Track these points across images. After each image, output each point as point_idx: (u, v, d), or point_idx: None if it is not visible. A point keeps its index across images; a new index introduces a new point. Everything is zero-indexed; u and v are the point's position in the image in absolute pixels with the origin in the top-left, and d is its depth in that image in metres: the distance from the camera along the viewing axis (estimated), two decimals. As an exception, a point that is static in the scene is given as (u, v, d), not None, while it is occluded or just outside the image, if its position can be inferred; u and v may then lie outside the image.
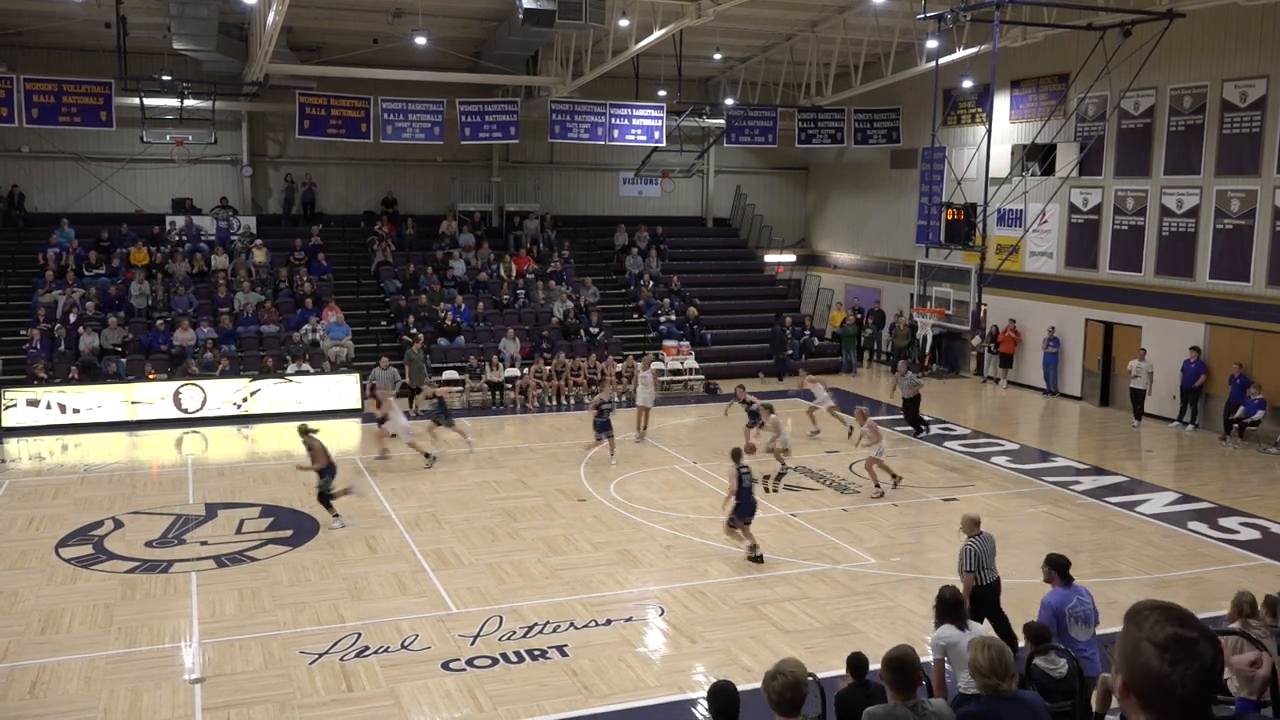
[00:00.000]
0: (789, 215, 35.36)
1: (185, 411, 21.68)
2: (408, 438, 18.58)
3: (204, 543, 14.37)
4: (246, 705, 9.73)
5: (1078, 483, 17.72)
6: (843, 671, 7.96)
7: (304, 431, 15.41)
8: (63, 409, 21.02)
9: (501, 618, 11.72)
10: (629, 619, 11.79)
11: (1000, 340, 26.55)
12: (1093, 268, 24.31)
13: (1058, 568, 8.91)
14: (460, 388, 24.11)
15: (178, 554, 13.90)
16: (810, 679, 5.55)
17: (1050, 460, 19.40)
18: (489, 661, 10.66)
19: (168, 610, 12.06)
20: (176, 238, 27.16)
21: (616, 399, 19.28)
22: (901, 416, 21.32)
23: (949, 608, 8.25)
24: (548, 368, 24.58)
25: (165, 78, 25.30)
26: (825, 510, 16.04)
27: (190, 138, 27.92)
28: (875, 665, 6.67)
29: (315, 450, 15.09)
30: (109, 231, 26.66)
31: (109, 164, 28.07)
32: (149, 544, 14.22)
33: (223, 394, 22.14)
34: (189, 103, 26.56)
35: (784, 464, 17.49)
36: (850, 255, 33.55)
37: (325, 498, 15.06)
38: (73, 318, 23.59)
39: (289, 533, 14.81)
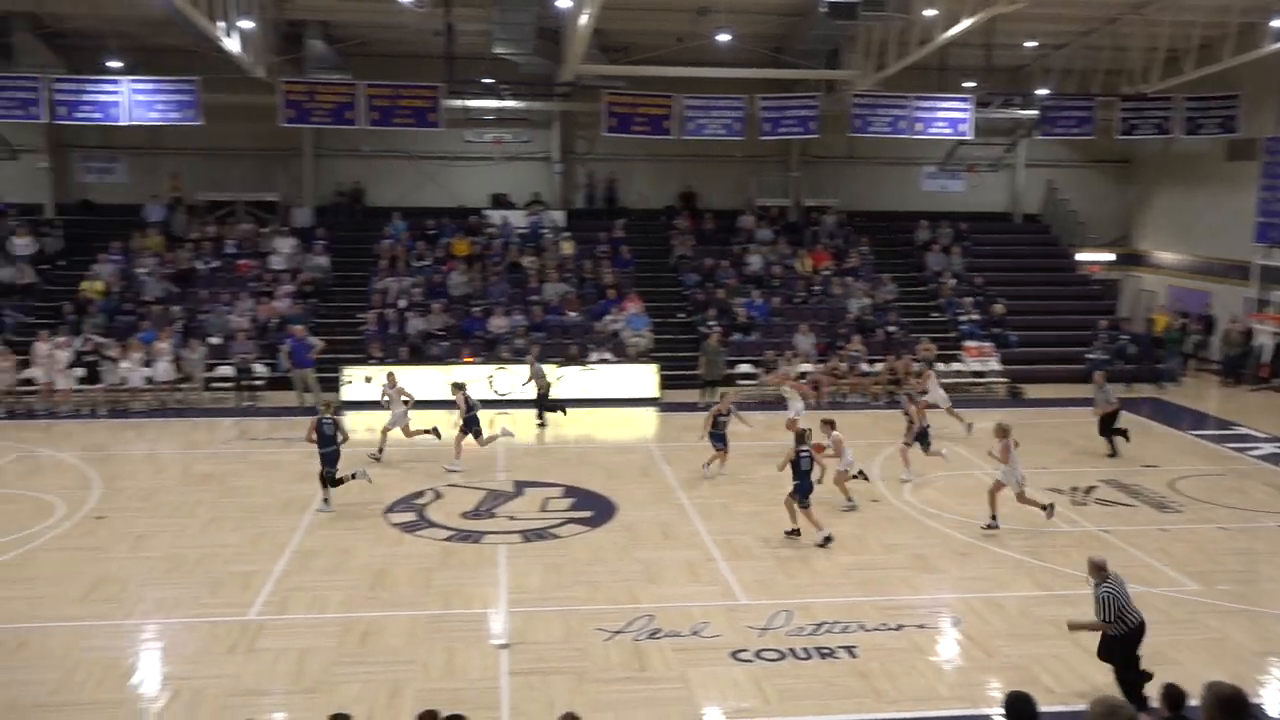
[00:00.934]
0: (1106, 211, 33.11)
1: (498, 394, 23.10)
2: None
3: (512, 518, 15.27)
4: (547, 674, 10.26)
5: None
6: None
7: (458, 387, 18.05)
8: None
9: (790, 612, 11.71)
10: (922, 625, 11.49)
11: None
12: None
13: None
14: (754, 382, 24.30)
15: (488, 526, 14.86)
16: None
17: None
18: (777, 655, 10.70)
19: (479, 578, 12.91)
20: (493, 230, 28.95)
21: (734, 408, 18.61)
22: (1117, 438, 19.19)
23: (1229, 710, 5.37)
24: (843, 364, 24.32)
25: (486, 81, 27.03)
26: (1141, 529, 14.93)
27: (508, 136, 29.71)
28: (1193, 700, 6.15)
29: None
30: (435, 224, 28.79)
31: (435, 161, 30.30)
32: (464, 515, 15.27)
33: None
34: (507, 103, 28.27)
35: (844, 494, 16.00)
36: (1176, 255, 31.01)
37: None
38: (402, 303, 25.69)
39: (589, 513, 15.47)
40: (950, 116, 27.59)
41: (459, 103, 27.40)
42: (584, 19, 20.35)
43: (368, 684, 10.00)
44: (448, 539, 14.32)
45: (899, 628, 11.38)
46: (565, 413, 21.61)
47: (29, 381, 22.21)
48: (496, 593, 12.43)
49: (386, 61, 27.92)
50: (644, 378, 23.74)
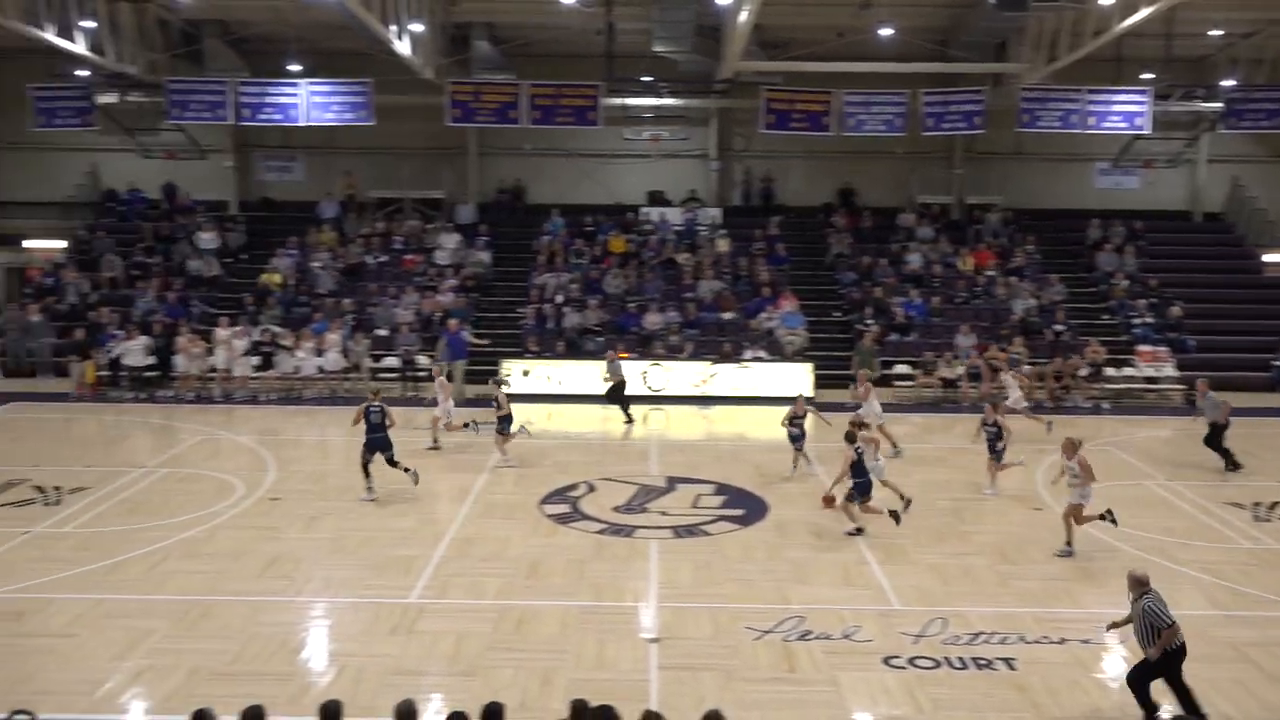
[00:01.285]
0: (1299, 209, 31.10)
1: (652, 389, 23.29)
2: None
3: (664, 513, 15.37)
4: (696, 670, 10.29)
5: None
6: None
7: (498, 384, 18.45)
8: (549, 380, 23.44)
9: (946, 620, 11.42)
10: (1086, 641, 11.02)
11: None
12: None
13: None
14: (911, 383, 23.80)
15: (640, 521, 14.99)
16: None
17: None
18: (931, 663, 10.45)
19: (630, 572, 13.04)
20: (649, 228, 29.17)
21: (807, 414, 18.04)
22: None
23: None
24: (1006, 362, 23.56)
25: (645, 79, 27.27)
26: (1330, 547, 13.98)
27: (665, 134, 29.90)
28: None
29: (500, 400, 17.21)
30: (592, 221, 29.20)
31: (594, 159, 30.72)
32: (616, 509, 15.45)
33: (685, 375, 23.55)
34: (665, 101, 28.45)
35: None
36: (1375, 255, 28.87)
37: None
38: (559, 299, 26.16)
39: (740, 511, 15.44)
40: (1126, 110, 26.37)
41: (618, 101, 27.72)
42: (744, 15, 20.29)
43: (520, 670, 10.23)
44: (600, 532, 14.52)
45: (1061, 641, 10.96)
46: (631, 420, 21.44)
47: (211, 368, 23.54)
48: (647, 587, 12.53)
49: (548, 61, 28.45)
50: (798, 376, 23.54)
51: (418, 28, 23.99)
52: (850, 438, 14.57)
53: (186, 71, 27.58)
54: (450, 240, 28.43)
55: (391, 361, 24.38)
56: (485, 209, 30.40)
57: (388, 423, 15.90)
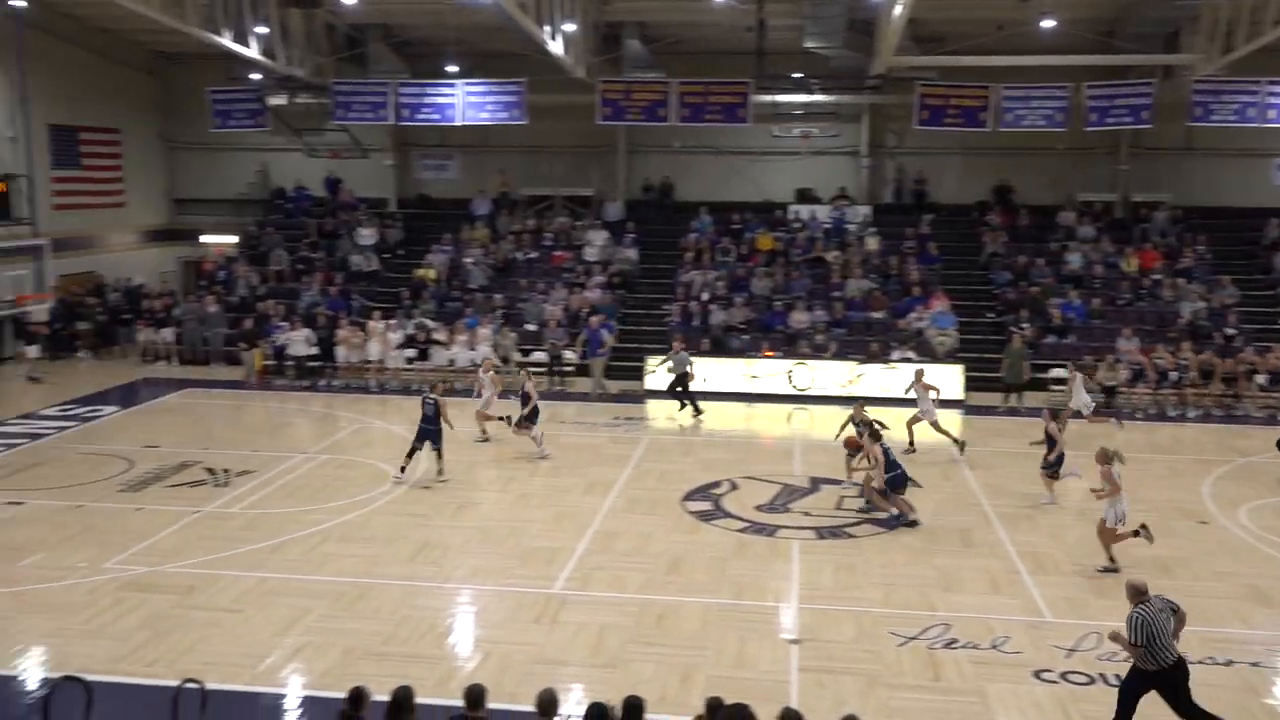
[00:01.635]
0: None
1: (797, 389, 23.09)
2: None
3: (807, 514, 15.23)
4: (837, 674, 10.17)
5: None
6: None
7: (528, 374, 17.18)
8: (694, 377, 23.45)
9: (1102, 635, 10.97)
10: (1256, 664, 10.46)
11: None
12: None
13: None
14: (1063, 387, 22.91)
15: (782, 521, 14.88)
16: None
17: None
18: (1085, 679, 10.08)
19: (771, 571, 12.97)
20: (797, 225, 28.91)
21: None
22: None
23: None
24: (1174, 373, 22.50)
25: (796, 75, 27.02)
26: None
27: (815, 131, 29.56)
28: None
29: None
30: (740, 218, 29.12)
31: (742, 157, 30.62)
32: (758, 508, 15.38)
33: (831, 375, 23.25)
34: (815, 98, 28.12)
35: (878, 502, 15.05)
36: None
37: None
38: (705, 296, 26.18)
39: (885, 514, 15.16)
40: (1310, 102, 24.78)
41: (767, 98, 27.55)
42: (898, 10, 19.90)
43: (661, 665, 10.30)
44: (742, 530, 14.48)
45: (1228, 663, 10.42)
46: (700, 413, 21.24)
47: (367, 359, 24.42)
48: (789, 587, 12.44)
49: (697, 59, 28.47)
50: (948, 378, 22.93)
51: (570, 28, 24.36)
52: (874, 435, 14.88)
53: (351, 74, 28.73)
54: (598, 237, 28.78)
55: (539, 356, 24.82)
56: (633, 206, 30.65)
57: (442, 417, 16.45)
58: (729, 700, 7.38)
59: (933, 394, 18.86)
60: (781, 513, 15.27)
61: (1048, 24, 22.39)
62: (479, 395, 19.69)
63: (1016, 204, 29.34)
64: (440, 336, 24.67)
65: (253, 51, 24.73)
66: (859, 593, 12.26)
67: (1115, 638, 8.98)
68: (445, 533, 14.23)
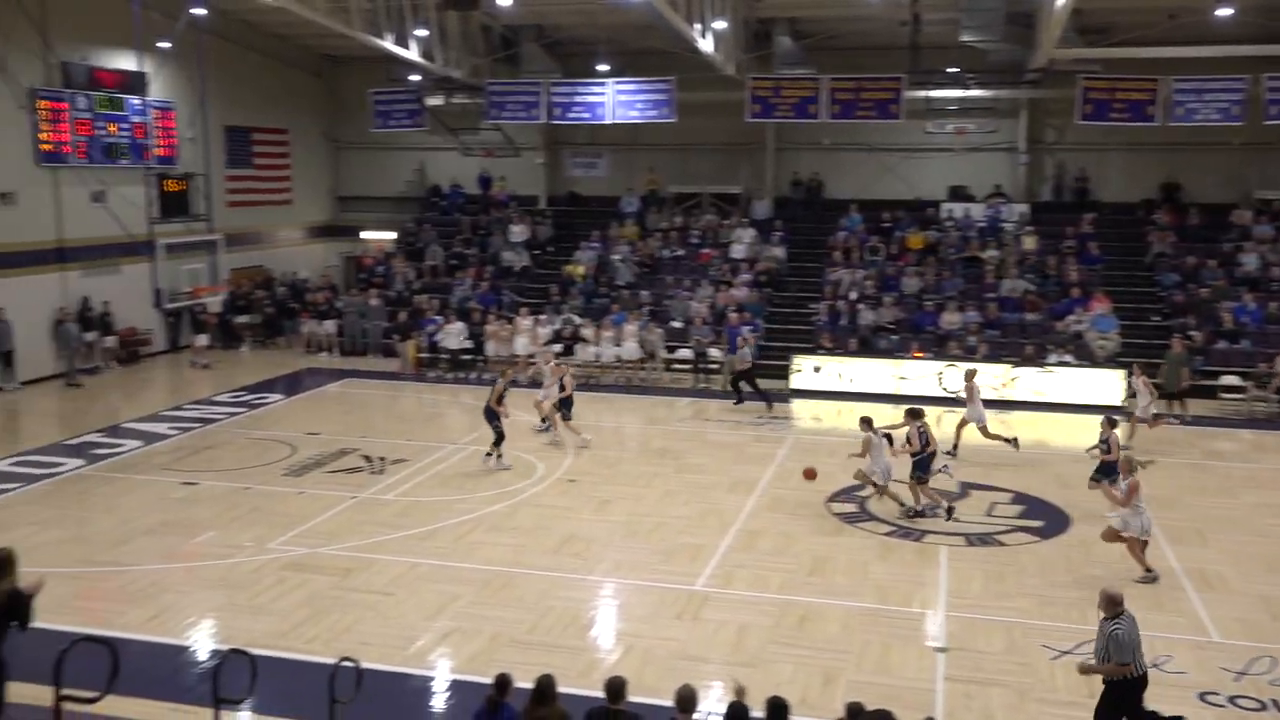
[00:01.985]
0: None
1: (947, 391, 22.52)
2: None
3: (956, 519, 14.84)
4: (985, 685, 9.89)
5: None
6: None
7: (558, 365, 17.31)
8: (841, 377, 23.18)
9: (1276, 660, 10.36)
10: None
11: None
12: None
13: None
14: (1242, 395, 21.73)
15: (930, 525, 14.54)
16: None
17: None
18: (1256, 705, 9.54)
19: (918, 577, 12.69)
20: (949, 224, 28.20)
21: None
22: None
23: None
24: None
25: (951, 70, 26.33)
26: None
27: (971, 126, 28.75)
28: None
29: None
30: (890, 216, 28.58)
31: (894, 153, 30.03)
32: (906, 512, 15.05)
33: (983, 378, 22.53)
34: (971, 92, 27.36)
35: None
36: None
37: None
38: (853, 295, 25.79)
39: (1039, 523, 14.67)
40: None
41: (921, 93, 26.95)
42: (1061, 1, 19.16)
43: (801, 666, 10.20)
44: (888, 534, 14.22)
45: None
46: (770, 405, 21.47)
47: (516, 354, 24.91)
48: (936, 594, 12.16)
49: (849, 54, 28.07)
50: (1109, 383, 22.03)
51: (721, 25, 24.33)
52: (915, 414, 14.95)
53: (505, 74, 29.40)
54: (746, 235, 28.67)
55: (685, 353, 24.88)
56: (781, 204, 30.42)
57: (501, 410, 17.29)
58: (871, 706, 7.26)
59: (980, 396, 18.54)
60: (930, 517, 14.91)
61: (1224, 12, 21.22)
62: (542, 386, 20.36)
63: (1185, 202, 27.93)
64: (587, 333, 25.01)
65: (412, 54, 25.54)
66: (1010, 603, 11.88)
67: (1088, 670, 8.62)
68: (590, 526, 14.42)
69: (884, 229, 28.28)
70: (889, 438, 15.07)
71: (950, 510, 14.76)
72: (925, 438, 14.80)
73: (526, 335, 24.87)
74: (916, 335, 24.46)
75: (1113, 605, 8.49)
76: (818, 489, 15.93)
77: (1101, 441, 15.04)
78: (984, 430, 18.10)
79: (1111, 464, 14.34)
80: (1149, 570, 12.50)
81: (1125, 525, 12.47)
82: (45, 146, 23.66)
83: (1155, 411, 19.03)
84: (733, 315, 24.29)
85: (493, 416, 17.36)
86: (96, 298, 24.93)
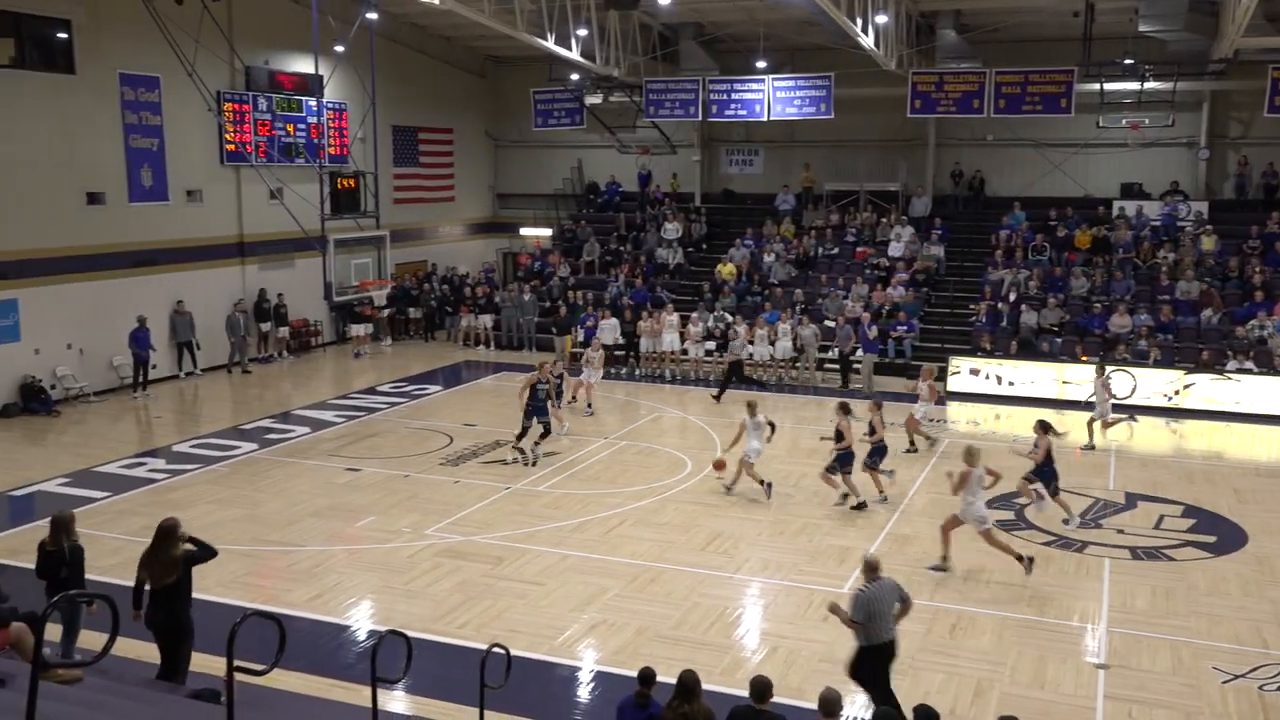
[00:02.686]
0: None
1: (1114, 397, 21.53)
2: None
3: (1120, 531, 14.22)
4: (1150, 705, 9.44)
5: None
6: None
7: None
8: (999, 380, 22.46)
9: None
10: None
11: None
12: None
13: None
14: None
15: (1093, 537, 13.96)
16: None
17: None
18: None
19: (1078, 590, 12.20)
20: (1121, 222, 26.96)
21: None
22: None
23: None
24: None
25: (1127, 61, 25.15)
26: None
27: (1146, 120, 27.38)
28: None
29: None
30: (1056, 214, 27.52)
31: (1062, 149, 28.89)
32: (1066, 522, 14.49)
33: (1154, 384, 21.55)
34: (1148, 85, 26.05)
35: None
36: None
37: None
38: (1013, 296, 24.94)
39: (1212, 539, 13.91)
40: None
41: (1093, 86, 25.83)
42: (1250, -14, 18.09)
43: (952, 676, 9.95)
44: (1047, 544, 13.71)
45: None
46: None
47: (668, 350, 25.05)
48: (1097, 608, 11.67)
49: (1016, 47, 27.20)
50: (1293, 393, 20.71)
51: (883, 19, 23.88)
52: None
53: (663, 73, 29.58)
54: (904, 233, 28.08)
55: (835, 352, 24.54)
56: (941, 202, 29.67)
57: (549, 405, 17.73)
58: (1024, 721, 7.04)
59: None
60: (1092, 528, 14.32)
61: None
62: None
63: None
64: (740, 330, 24.91)
65: (573, 53, 25.94)
66: (1178, 621, 11.30)
67: (835, 609, 8.98)
68: (737, 524, 14.39)
69: (1049, 227, 27.24)
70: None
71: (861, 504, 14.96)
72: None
73: (676, 332, 24.96)
74: (1082, 338, 23.47)
75: (870, 570, 9.01)
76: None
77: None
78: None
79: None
80: (1020, 558, 12.35)
81: (964, 515, 12.51)
82: (229, 146, 25.10)
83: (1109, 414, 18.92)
84: (865, 314, 23.99)
85: (541, 411, 17.56)
86: (271, 291, 26.24)
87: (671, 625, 11.08)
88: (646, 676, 7.68)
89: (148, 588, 8.57)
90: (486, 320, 28.52)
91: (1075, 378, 22.00)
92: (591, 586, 12.11)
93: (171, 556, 8.55)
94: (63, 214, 21.51)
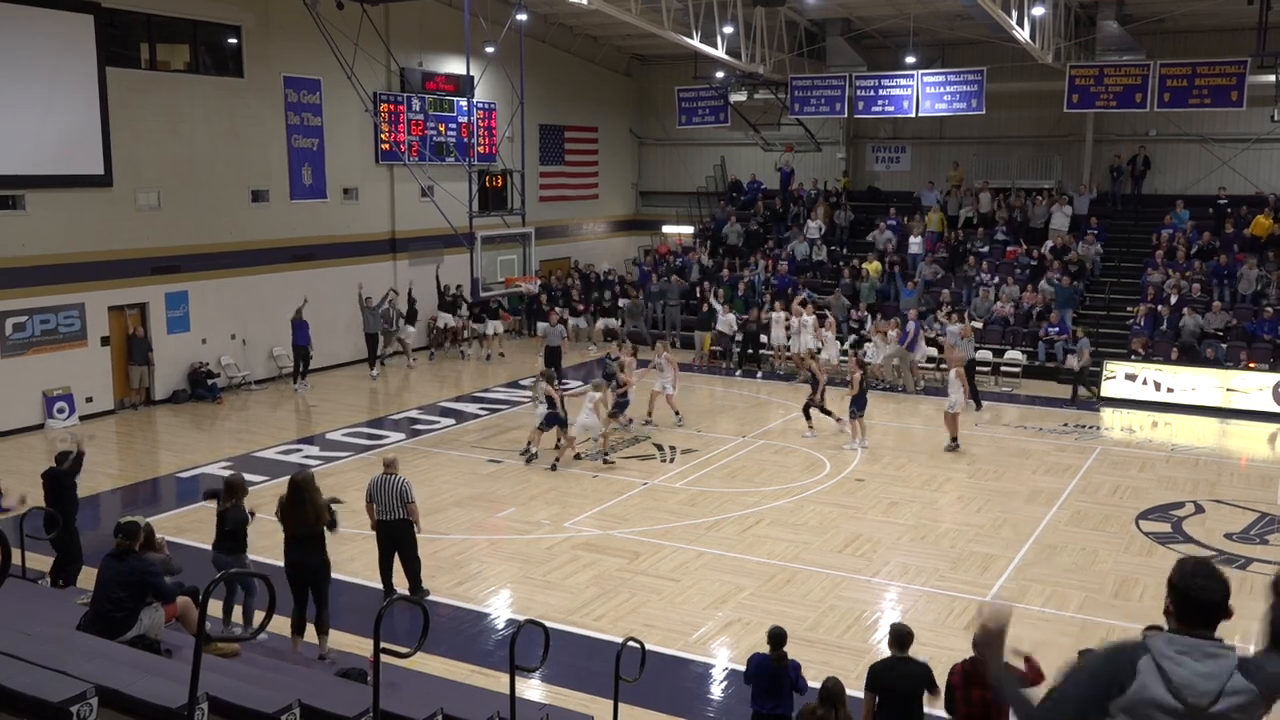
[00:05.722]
0: None
1: (1282, 407, 20.41)
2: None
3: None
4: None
5: None
6: None
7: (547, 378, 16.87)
8: (1158, 386, 21.47)
9: None
10: None
11: None
12: None
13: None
14: None
15: (1257, 553, 13.22)
16: None
17: None
18: None
19: (1240, 608, 11.45)
20: (1296, 221, 25.43)
21: None
22: None
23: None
24: None
25: (1308, 50, 23.69)
26: None
27: (1326, 113, 25.71)
28: None
29: None
30: (1226, 212, 26.10)
31: (1232, 144, 27.42)
32: (1228, 536, 13.78)
33: (1327, 394, 20.27)
34: (1331, 75, 24.47)
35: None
36: None
37: None
38: (1174, 299, 23.79)
39: None
40: None
41: (1268, 78, 24.42)
42: None
43: (1101, 694, 9.55)
44: (1208, 559, 13.02)
45: None
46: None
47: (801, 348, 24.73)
48: (1261, 629, 11.00)
49: (1183, 38, 25.97)
50: None
51: (1039, 11, 23.08)
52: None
53: (809, 69, 29.26)
54: (1065, 211, 27.05)
55: (984, 354, 23.84)
56: (1098, 199, 28.50)
57: (562, 411, 17.20)
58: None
59: None
60: (1257, 544, 13.57)
61: None
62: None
63: None
64: (880, 329, 24.46)
65: (719, 51, 25.91)
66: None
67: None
68: (877, 527, 14.16)
69: (1216, 226, 25.87)
70: None
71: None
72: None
73: (813, 331, 24.62)
74: (1249, 344, 22.24)
75: (387, 467, 11.48)
76: (1127, 504, 14.89)
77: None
78: None
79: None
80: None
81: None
82: (384, 146, 25.98)
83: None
84: (911, 311, 23.30)
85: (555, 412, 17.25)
86: (419, 286, 26.86)
87: (807, 627, 10.98)
88: (778, 636, 7.73)
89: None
90: (611, 322, 28.48)
91: (1242, 385, 20.88)
92: (726, 585, 12.09)
93: (315, 505, 9.15)
94: (230, 211, 22.64)
